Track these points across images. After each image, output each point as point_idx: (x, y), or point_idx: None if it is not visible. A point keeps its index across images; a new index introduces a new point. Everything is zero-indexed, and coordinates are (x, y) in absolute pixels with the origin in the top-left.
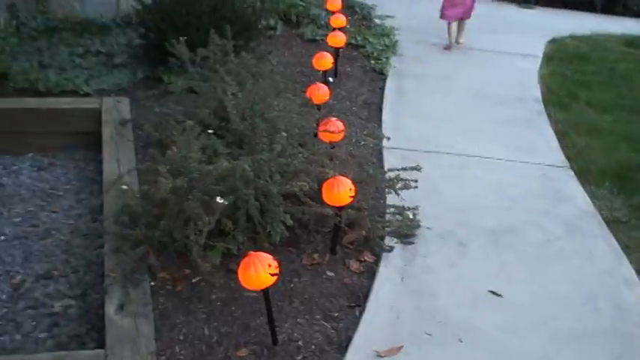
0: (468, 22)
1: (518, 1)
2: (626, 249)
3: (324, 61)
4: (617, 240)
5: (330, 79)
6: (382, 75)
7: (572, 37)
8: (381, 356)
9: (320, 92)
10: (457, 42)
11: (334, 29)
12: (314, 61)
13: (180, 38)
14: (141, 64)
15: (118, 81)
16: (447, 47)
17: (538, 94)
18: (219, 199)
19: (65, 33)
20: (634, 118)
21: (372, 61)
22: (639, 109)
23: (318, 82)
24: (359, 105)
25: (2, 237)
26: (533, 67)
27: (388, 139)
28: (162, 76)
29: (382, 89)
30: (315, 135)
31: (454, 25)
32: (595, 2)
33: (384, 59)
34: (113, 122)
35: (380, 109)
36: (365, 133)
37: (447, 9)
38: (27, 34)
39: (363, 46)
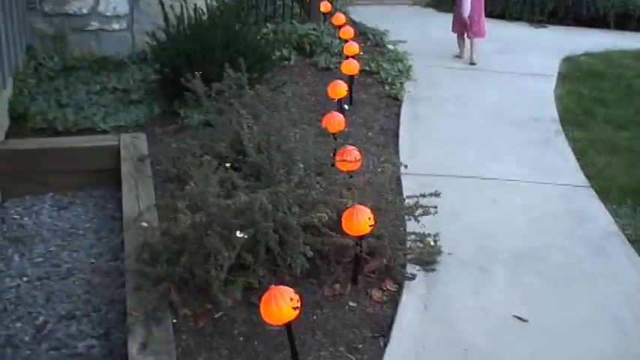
0: (483, 45)
1: (531, 20)
2: None
3: (339, 89)
4: None
5: (346, 107)
6: (397, 100)
7: (587, 55)
8: None
9: (335, 121)
10: (471, 63)
11: (347, 57)
12: (329, 89)
13: (196, 73)
14: (157, 99)
15: (134, 117)
16: (457, 55)
17: (555, 113)
18: (238, 234)
19: (82, 71)
20: None
21: (387, 87)
22: None
23: (333, 111)
24: (375, 131)
25: (25, 278)
26: (548, 86)
27: (405, 166)
28: (179, 111)
29: (398, 115)
30: (333, 164)
31: (464, 41)
32: (608, 18)
33: (399, 84)
34: (131, 159)
35: (396, 135)
36: (382, 159)
37: (453, 23)
38: (45, 75)
39: (377, 72)
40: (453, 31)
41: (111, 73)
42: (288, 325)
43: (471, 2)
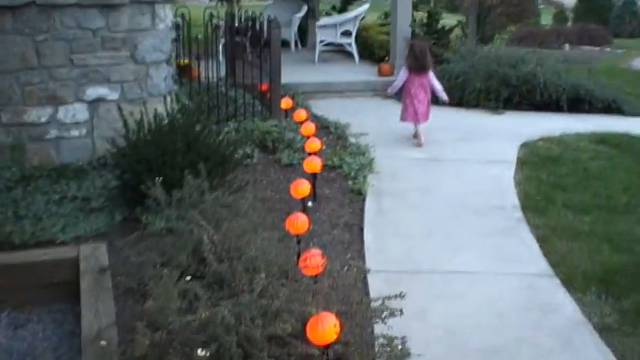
0: (444, 133)
1: (488, 107)
2: (623, 358)
3: (301, 188)
4: (612, 348)
5: (310, 204)
6: (361, 195)
7: (544, 140)
8: None
9: (299, 222)
10: (419, 145)
11: (310, 154)
12: (291, 189)
13: (156, 179)
14: (118, 206)
15: (95, 226)
16: (414, 140)
17: (516, 200)
18: (200, 352)
19: (41, 181)
20: (612, 217)
21: (350, 182)
22: (616, 209)
23: (296, 212)
24: (340, 228)
25: None
26: (508, 173)
27: (368, 270)
28: (141, 217)
29: (362, 210)
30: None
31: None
32: (561, 102)
33: (362, 178)
34: (91, 271)
35: (361, 230)
36: (348, 257)
37: (403, 111)
38: (3, 186)
39: (340, 167)
40: (402, 119)
41: (71, 180)
42: None
43: (414, 87)
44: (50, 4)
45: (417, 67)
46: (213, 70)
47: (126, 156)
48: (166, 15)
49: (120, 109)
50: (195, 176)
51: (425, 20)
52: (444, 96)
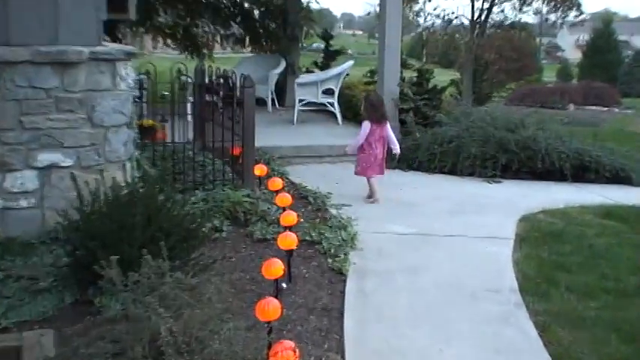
0: (435, 204)
1: (484, 175)
2: None
3: (274, 269)
4: None
5: (284, 285)
6: (342, 274)
7: (545, 213)
8: None
9: (270, 308)
10: (373, 200)
11: (285, 228)
12: (263, 270)
13: (111, 258)
14: (69, 286)
15: (41, 309)
16: (369, 197)
17: (514, 282)
18: None
19: None
20: (620, 302)
21: (330, 260)
22: (625, 292)
23: (267, 297)
24: (317, 313)
25: None
26: (506, 251)
27: None
28: (93, 300)
29: (342, 292)
30: None
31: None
32: (565, 171)
33: (343, 256)
34: None
35: (341, 315)
36: (325, 348)
37: (362, 167)
38: None
39: (319, 242)
40: (363, 174)
41: (17, 257)
42: None
43: (374, 139)
44: None
45: (378, 116)
46: (180, 132)
47: (78, 230)
48: (128, 74)
49: (74, 177)
50: (156, 254)
51: (414, 79)
52: (398, 148)
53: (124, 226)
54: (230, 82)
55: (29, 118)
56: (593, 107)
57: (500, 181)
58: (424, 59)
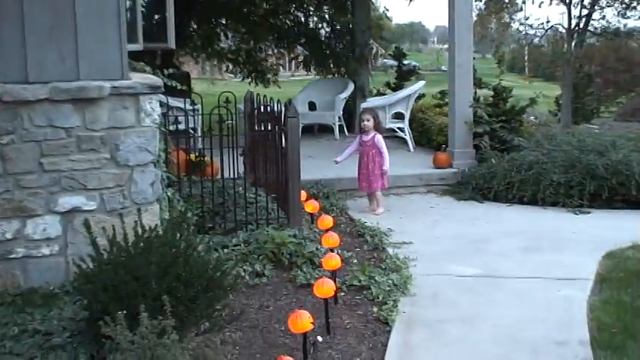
0: (507, 240)
1: (570, 205)
2: None
3: (302, 322)
4: None
5: (319, 338)
6: (387, 325)
7: (635, 248)
8: None
9: None
10: (375, 213)
11: (331, 273)
12: (289, 323)
13: (119, 313)
14: (84, 343)
15: None
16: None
17: (585, 333)
18: None
19: (2, 309)
20: None
21: (375, 308)
22: None
23: (284, 357)
24: None
25: None
26: (582, 294)
27: None
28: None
29: (385, 345)
30: None
31: (373, 195)
32: None
33: (391, 303)
34: None
35: None
36: None
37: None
38: None
39: (368, 288)
40: (361, 189)
41: (37, 308)
42: None
43: (366, 157)
44: (17, 99)
45: (382, 129)
46: (233, 166)
47: (91, 281)
48: (154, 109)
49: (87, 223)
50: (175, 306)
51: (490, 99)
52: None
53: (138, 276)
54: (274, 111)
55: (49, 160)
56: None
57: (588, 212)
58: (526, 73)
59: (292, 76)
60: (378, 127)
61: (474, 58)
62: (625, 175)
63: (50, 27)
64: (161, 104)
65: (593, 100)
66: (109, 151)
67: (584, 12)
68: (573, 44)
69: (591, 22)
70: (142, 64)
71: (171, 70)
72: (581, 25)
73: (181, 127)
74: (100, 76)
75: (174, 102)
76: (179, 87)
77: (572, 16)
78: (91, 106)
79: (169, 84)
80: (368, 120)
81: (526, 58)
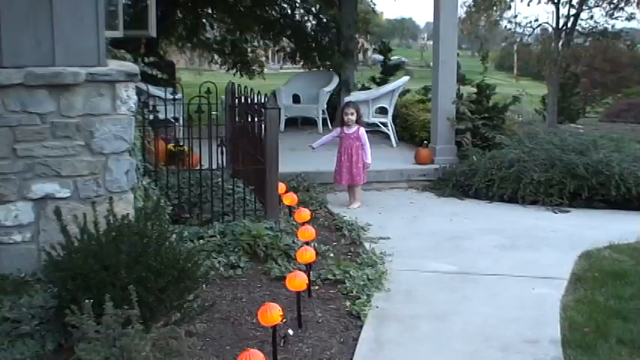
0: (484, 238)
1: (550, 204)
2: None
3: (271, 315)
4: None
5: (290, 332)
6: (360, 320)
7: (612, 248)
8: None
9: None
10: (349, 206)
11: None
12: (259, 316)
13: (86, 302)
14: (53, 330)
15: (19, 356)
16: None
17: (557, 332)
18: None
19: None
20: None
21: (349, 302)
22: None
23: (250, 349)
24: None
25: None
26: (555, 293)
27: None
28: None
29: (356, 340)
30: None
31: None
32: None
33: (365, 297)
34: None
35: None
36: None
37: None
38: None
39: (343, 282)
40: (337, 182)
41: (7, 295)
42: None
43: (349, 150)
44: None
45: (363, 123)
46: (215, 157)
47: (60, 269)
48: (130, 96)
49: (58, 211)
50: (144, 296)
51: (474, 96)
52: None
53: (107, 265)
54: (255, 102)
55: (23, 146)
56: None
57: (567, 211)
58: (514, 72)
59: (281, 68)
60: (359, 122)
61: (458, 55)
62: (605, 176)
63: (26, 11)
64: (141, 92)
65: (579, 100)
66: (83, 138)
67: (573, 11)
68: (561, 43)
69: (579, 21)
70: (123, 52)
71: (152, 59)
72: (569, 25)
73: (161, 116)
74: (76, 62)
75: (155, 91)
76: (159, 76)
77: (561, 15)
78: (66, 92)
79: (149, 72)
80: (352, 114)
81: (515, 56)
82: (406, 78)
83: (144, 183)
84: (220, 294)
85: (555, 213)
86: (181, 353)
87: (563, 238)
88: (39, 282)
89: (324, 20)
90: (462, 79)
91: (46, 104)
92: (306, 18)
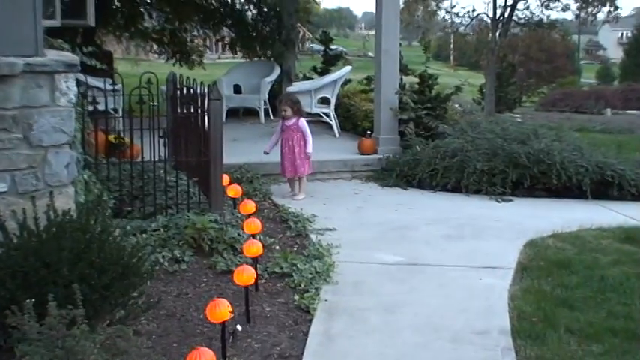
0: (430, 228)
1: (492, 193)
2: None
3: (220, 311)
4: None
5: (239, 327)
6: (309, 313)
7: (556, 237)
8: None
9: None
10: (294, 198)
11: (253, 259)
12: (207, 312)
13: (28, 301)
14: None
15: None
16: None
17: (506, 322)
18: None
19: None
20: (630, 347)
21: (297, 296)
22: (636, 334)
23: (200, 347)
24: None
25: None
26: (502, 283)
27: None
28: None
29: (306, 334)
30: None
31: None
32: (584, 187)
33: (313, 291)
34: None
35: None
36: None
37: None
38: None
39: (290, 275)
40: (282, 175)
41: None
42: None
43: (290, 141)
44: None
45: (303, 113)
46: (157, 149)
47: None
48: (70, 87)
49: None
50: (87, 294)
51: (416, 86)
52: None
53: (49, 262)
54: (197, 93)
55: None
56: (634, 111)
57: (510, 200)
58: (451, 61)
59: (219, 58)
60: (299, 113)
61: (400, 45)
62: (546, 164)
63: None
64: (80, 83)
65: (515, 89)
66: (21, 130)
67: (510, 2)
68: (498, 34)
69: (516, 12)
70: (60, 42)
71: (91, 49)
72: (506, 15)
73: (101, 107)
74: (12, 52)
75: (93, 81)
76: (99, 66)
77: (498, 5)
78: (2, 83)
79: (89, 63)
80: (285, 110)
81: (452, 46)
82: (348, 68)
83: (85, 176)
84: (165, 289)
85: (498, 202)
86: (128, 353)
87: (507, 227)
88: None
89: (265, 9)
90: (404, 69)
91: None
92: (246, 7)
